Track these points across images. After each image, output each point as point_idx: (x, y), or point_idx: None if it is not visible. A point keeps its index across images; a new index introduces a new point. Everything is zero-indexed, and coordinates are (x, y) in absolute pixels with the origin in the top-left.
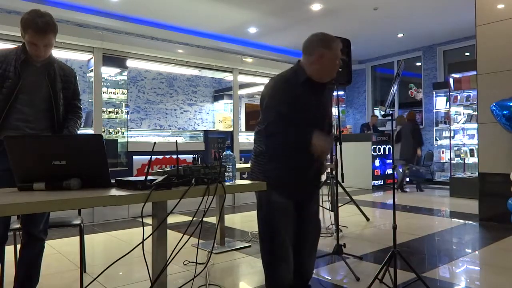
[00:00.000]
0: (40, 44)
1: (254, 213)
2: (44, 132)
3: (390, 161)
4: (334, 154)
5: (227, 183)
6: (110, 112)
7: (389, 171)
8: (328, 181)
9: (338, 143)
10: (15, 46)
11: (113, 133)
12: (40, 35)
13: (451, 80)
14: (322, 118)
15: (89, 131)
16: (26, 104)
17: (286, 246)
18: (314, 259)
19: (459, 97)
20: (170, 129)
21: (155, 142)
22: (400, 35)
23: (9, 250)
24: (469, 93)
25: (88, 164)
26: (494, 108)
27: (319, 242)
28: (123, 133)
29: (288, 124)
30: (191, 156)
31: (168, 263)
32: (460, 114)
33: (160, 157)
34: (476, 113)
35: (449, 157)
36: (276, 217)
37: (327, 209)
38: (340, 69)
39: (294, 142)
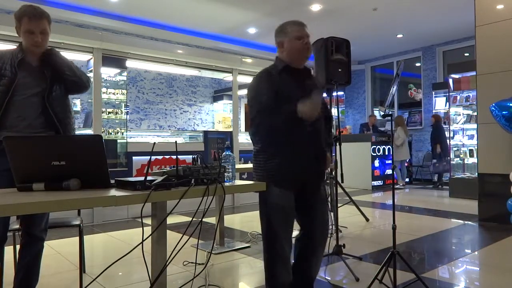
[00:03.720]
0: (37, 31)
1: (254, 213)
2: (42, 131)
3: (390, 161)
4: (333, 154)
5: (226, 184)
6: (109, 112)
7: (389, 171)
8: (328, 181)
9: (337, 144)
10: (14, 47)
11: (112, 133)
12: (35, 21)
13: (450, 81)
14: None
15: (89, 131)
16: (24, 102)
17: (285, 246)
18: (320, 261)
19: (458, 97)
20: (169, 129)
21: (154, 143)
22: (400, 36)
23: (8, 251)
24: (469, 94)
25: (88, 164)
26: (493, 108)
27: None
28: (122, 134)
29: (275, 112)
30: (191, 156)
31: (167, 263)
32: (459, 115)
33: (160, 157)
34: (475, 113)
35: (448, 158)
36: (276, 217)
37: None
38: (339, 69)
39: (285, 129)
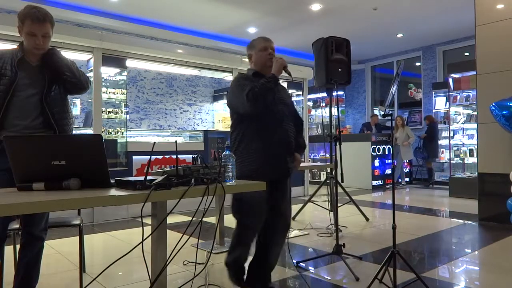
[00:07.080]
0: (39, 34)
1: None
2: (41, 131)
3: (390, 161)
4: (334, 154)
5: (226, 183)
6: (109, 112)
7: (389, 171)
8: (328, 181)
9: (337, 143)
10: (14, 47)
11: (112, 133)
12: (38, 24)
13: (450, 80)
14: (283, 107)
15: (89, 131)
16: (23, 103)
17: (254, 234)
18: (279, 251)
19: (458, 97)
20: (169, 129)
21: (154, 142)
22: (400, 35)
23: (8, 250)
24: (469, 93)
25: (88, 164)
26: (493, 108)
27: (317, 241)
28: (122, 133)
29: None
30: (191, 156)
31: (167, 263)
32: (459, 114)
33: (160, 157)
34: (475, 113)
35: (448, 157)
36: (250, 209)
37: (326, 209)
38: (339, 69)
39: (256, 130)
